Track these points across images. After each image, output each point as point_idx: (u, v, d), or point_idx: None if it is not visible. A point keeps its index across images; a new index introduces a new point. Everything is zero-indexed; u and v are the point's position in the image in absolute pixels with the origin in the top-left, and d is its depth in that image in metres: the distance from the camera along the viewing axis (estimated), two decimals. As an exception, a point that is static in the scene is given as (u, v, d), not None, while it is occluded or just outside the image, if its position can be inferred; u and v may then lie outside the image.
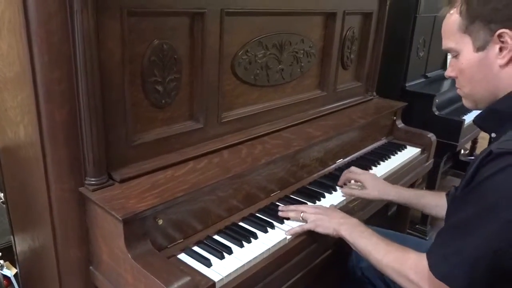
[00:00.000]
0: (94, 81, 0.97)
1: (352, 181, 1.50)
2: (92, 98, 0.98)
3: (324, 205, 1.39)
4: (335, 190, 1.49)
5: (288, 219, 1.27)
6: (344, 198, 1.45)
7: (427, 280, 0.91)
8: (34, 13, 0.91)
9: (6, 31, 1.01)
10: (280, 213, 1.29)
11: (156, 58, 1.13)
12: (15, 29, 0.96)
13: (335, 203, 1.41)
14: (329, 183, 1.53)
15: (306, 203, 1.38)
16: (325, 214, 1.23)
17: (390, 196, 1.41)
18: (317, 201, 1.41)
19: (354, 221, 1.18)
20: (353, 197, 1.46)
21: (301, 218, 1.25)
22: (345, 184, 1.51)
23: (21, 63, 0.98)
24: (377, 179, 1.48)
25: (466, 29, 0.93)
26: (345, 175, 1.50)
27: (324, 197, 1.44)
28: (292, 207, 1.30)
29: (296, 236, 1.22)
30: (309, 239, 1.26)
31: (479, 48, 0.92)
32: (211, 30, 1.23)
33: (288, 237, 1.20)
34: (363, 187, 1.44)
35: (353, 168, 1.52)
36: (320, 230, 1.20)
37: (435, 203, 1.34)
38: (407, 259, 0.98)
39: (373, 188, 1.41)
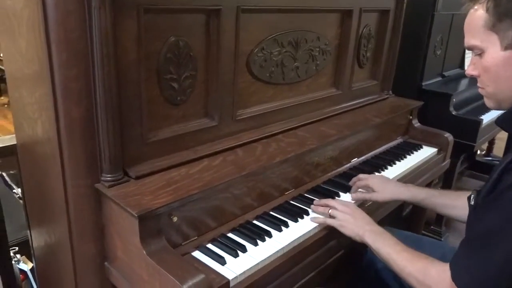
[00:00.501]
0: (110, 79, 0.97)
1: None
2: (109, 95, 0.98)
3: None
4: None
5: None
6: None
7: None
8: (53, 10, 0.92)
9: (25, 28, 1.02)
10: (312, 206, 1.31)
11: (172, 55, 1.13)
12: (34, 26, 0.97)
13: (350, 203, 1.39)
14: (344, 182, 1.51)
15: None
16: (352, 215, 1.21)
17: (404, 196, 1.38)
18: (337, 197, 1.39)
19: (378, 228, 1.17)
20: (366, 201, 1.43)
21: (328, 214, 1.24)
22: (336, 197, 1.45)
23: (39, 60, 0.99)
24: (387, 181, 1.45)
25: (493, 27, 0.89)
26: (355, 184, 1.46)
27: (338, 196, 1.43)
28: (324, 201, 1.30)
29: (310, 235, 1.22)
30: (324, 238, 1.25)
31: (507, 46, 0.88)
32: (226, 27, 1.22)
33: (313, 224, 1.23)
34: (372, 191, 1.40)
35: (360, 175, 1.47)
36: (343, 230, 1.20)
37: (452, 203, 1.31)
38: (430, 269, 0.97)
39: (384, 190, 1.38)
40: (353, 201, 1.39)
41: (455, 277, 0.88)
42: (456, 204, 1.29)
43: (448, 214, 1.35)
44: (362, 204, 1.43)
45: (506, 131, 1.01)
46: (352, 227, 1.18)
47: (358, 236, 1.16)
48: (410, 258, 1.02)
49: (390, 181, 1.46)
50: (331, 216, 1.24)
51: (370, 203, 1.44)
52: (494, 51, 0.90)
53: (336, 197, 1.42)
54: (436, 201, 1.34)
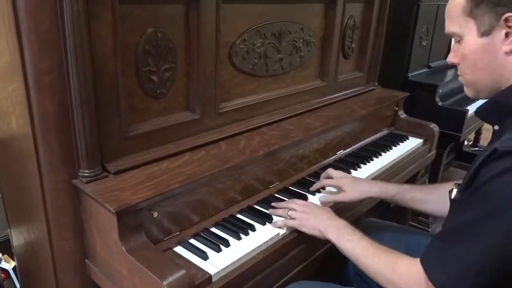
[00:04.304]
0: (85, 71, 0.94)
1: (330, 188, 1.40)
2: (84, 89, 0.95)
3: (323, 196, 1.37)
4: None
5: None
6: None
7: (421, 287, 0.86)
8: (22, 1, 0.88)
9: (-5, 19, 0.98)
10: (270, 210, 1.24)
11: (150, 47, 1.10)
12: (3, 18, 0.94)
13: (335, 195, 1.38)
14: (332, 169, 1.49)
15: (305, 195, 1.36)
16: (311, 213, 1.16)
17: (373, 193, 1.31)
18: (317, 193, 1.38)
19: (341, 223, 1.11)
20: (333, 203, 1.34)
21: (288, 216, 1.19)
22: (320, 190, 1.40)
23: (10, 53, 0.96)
24: (356, 180, 1.38)
25: (471, 12, 0.87)
26: (321, 181, 1.39)
27: (324, 188, 1.41)
28: (283, 203, 1.25)
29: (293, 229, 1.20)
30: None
31: (484, 33, 0.87)
32: (207, 18, 1.20)
33: (277, 229, 1.17)
34: (341, 191, 1.33)
35: (329, 171, 1.40)
36: (304, 230, 1.15)
37: (424, 198, 1.27)
38: (398, 264, 0.92)
39: (352, 190, 1.31)
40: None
41: (430, 274, 0.84)
42: (428, 198, 1.26)
43: (420, 209, 1.31)
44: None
45: (485, 122, 1.00)
46: (312, 224, 1.13)
47: (320, 232, 1.11)
48: (377, 254, 0.98)
49: (360, 180, 1.40)
50: (291, 218, 1.18)
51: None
52: (471, 37, 0.89)
53: (321, 190, 1.40)
54: (407, 197, 1.29)
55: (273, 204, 1.27)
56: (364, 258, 1.00)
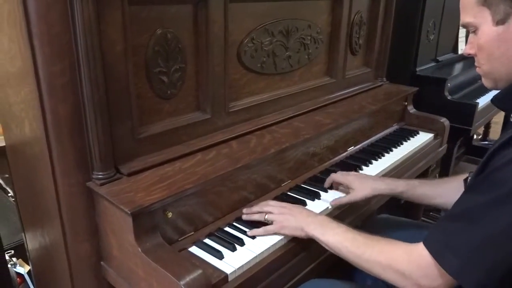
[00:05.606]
0: (97, 73, 0.94)
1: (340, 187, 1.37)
2: (96, 91, 0.95)
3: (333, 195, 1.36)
4: (347, 178, 1.45)
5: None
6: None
7: (422, 271, 0.84)
8: (33, 4, 0.88)
9: (6, 24, 0.98)
10: (243, 216, 1.18)
11: (160, 47, 1.10)
12: (15, 22, 0.94)
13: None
14: (341, 171, 1.49)
15: (318, 192, 1.35)
16: (290, 213, 1.12)
17: (382, 191, 1.29)
18: (329, 190, 1.38)
19: (323, 218, 1.10)
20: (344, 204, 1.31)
21: (265, 220, 1.14)
22: (331, 186, 1.38)
23: (22, 57, 0.96)
24: (365, 177, 1.36)
25: (485, 2, 0.87)
26: (330, 176, 1.37)
27: (335, 188, 1.40)
28: (256, 208, 1.18)
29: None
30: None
31: (499, 21, 0.86)
32: (215, 18, 1.19)
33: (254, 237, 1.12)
34: (350, 189, 1.31)
35: (339, 172, 1.39)
36: (286, 232, 1.11)
37: (433, 193, 1.26)
38: (395, 249, 0.90)
39: (361, 188, 1.28)
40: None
41: (437, 257, 0.81)
42: (437, 192, 1.24)
43: (430, 204, 1.30)
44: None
45: (501, 109, 0.99)
46: (293, 224, 1.10)
47: (303, 231, 1.08)
48: (368, 243, 0.95)
49: (368, 177, 1.38)
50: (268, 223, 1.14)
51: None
52: (487, 27, 0.88)
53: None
54: (416, 193, 1.28)
55: (244, 210, 1.20)
56: (354, 249, 0.97)
